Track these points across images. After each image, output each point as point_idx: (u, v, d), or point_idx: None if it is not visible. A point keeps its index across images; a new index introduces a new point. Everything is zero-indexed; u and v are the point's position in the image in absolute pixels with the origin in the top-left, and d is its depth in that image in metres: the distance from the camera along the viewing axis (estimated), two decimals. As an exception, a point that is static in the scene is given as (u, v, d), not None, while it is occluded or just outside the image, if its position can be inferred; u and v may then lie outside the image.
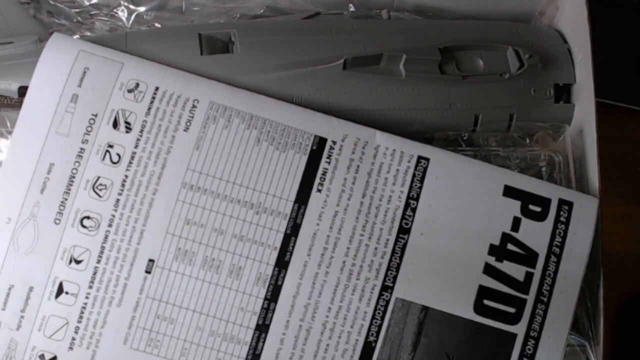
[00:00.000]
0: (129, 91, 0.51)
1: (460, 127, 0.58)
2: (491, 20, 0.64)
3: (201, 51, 0.54)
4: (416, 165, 0.52)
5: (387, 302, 0.51)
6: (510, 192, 0.53)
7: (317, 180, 0.51)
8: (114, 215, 0.50)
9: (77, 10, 0.59)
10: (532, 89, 0.58)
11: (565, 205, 0.53)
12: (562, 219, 0.53)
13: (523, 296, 0.52)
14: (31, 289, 0.50)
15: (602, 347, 0.54)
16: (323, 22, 0.60)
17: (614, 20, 0.76)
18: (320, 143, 0.52)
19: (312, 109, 0.53)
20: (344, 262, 0.51)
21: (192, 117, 0.51)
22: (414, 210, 0.52)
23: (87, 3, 0.60)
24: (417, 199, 0.52)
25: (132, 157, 0.50)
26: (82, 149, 0.50)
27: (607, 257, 0.54)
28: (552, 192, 0.53)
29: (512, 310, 0.52)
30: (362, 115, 0.56)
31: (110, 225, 0.50)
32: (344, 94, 0.55)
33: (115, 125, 0.50)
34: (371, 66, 0.56)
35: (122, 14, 0.59)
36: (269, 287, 0.51)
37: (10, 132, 0.53)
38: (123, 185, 0.50)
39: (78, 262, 0.50)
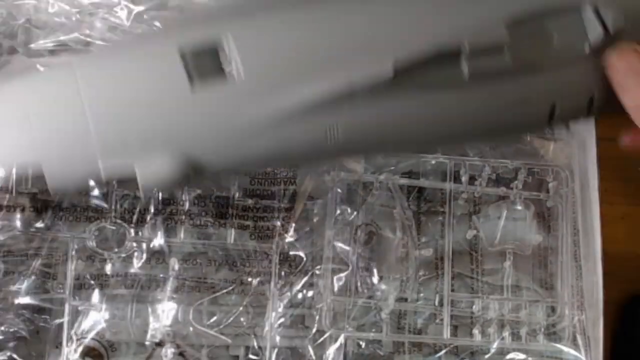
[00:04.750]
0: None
1: (532, 122, 0.46)
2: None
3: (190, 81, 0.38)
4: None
5: None
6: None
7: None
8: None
9: (77, 10, 0.59)
10: None
11: None
12: None
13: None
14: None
15: (602, 348, 0.54)
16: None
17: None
18: None
19: (354, 140, 0.41)
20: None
21: None
22: None
23: (86, 2, 0.59)
24: None
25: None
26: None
27: (607, 257, 0.54)
28: None
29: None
30: (413, 142, 0.46)
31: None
32: (393, 114, 0.41)
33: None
34: (425, 70, 0.40)
35: (122, 13, 0.59)
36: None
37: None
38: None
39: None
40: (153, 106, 0.38)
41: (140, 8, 0.59)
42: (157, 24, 0.59)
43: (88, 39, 0.58)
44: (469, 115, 0.43)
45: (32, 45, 0.58)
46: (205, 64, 0.38)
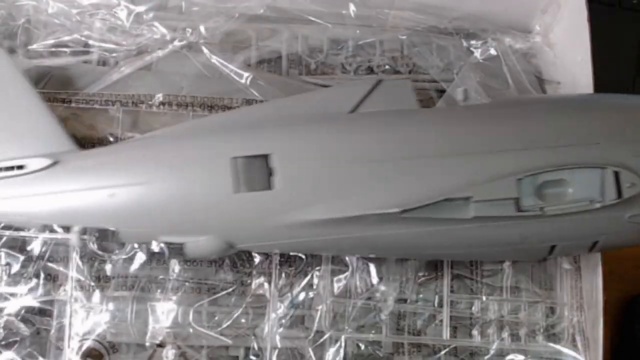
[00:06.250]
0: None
1: (531, 256, 0.53)
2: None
3: (236, 187, 0.48)
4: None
5: None
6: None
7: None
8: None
9: (76, 10, 0.59)
10: (628, 215, 0.48)
11: None
12: None
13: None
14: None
15: (602, 348, 0.54)
16: (382, 138, 0.49)
17: (614, 20, 0.76)
18: None
19: (360, 250, 0.51)
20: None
21: None
22: None
23: (86, 2, 0.59)
24: None
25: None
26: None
27: (606, 257, 0.54)
28: None
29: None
30: (418, 256, 0.52)
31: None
32: (399, 237, 0.48)
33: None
34: (432, 209, 0.46)
35: (122, 13, 0.59)
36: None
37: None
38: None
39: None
40: (204, 201, 0.48)
41: (140, 8, 0.59)
42: (157, 24, 0.59)
43: (88, 40, 0.59)
44: (470, 246, 0.49)
45: (32, 47, 0.58)
46: (251, 173, 0.48)
